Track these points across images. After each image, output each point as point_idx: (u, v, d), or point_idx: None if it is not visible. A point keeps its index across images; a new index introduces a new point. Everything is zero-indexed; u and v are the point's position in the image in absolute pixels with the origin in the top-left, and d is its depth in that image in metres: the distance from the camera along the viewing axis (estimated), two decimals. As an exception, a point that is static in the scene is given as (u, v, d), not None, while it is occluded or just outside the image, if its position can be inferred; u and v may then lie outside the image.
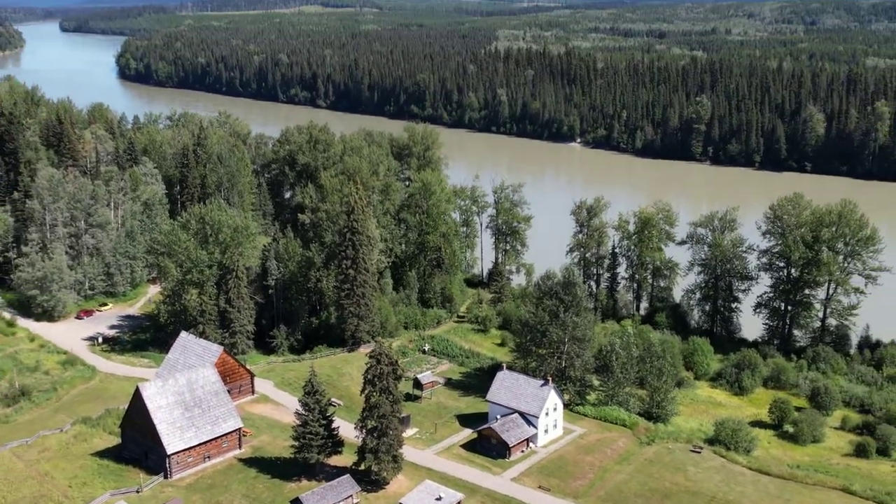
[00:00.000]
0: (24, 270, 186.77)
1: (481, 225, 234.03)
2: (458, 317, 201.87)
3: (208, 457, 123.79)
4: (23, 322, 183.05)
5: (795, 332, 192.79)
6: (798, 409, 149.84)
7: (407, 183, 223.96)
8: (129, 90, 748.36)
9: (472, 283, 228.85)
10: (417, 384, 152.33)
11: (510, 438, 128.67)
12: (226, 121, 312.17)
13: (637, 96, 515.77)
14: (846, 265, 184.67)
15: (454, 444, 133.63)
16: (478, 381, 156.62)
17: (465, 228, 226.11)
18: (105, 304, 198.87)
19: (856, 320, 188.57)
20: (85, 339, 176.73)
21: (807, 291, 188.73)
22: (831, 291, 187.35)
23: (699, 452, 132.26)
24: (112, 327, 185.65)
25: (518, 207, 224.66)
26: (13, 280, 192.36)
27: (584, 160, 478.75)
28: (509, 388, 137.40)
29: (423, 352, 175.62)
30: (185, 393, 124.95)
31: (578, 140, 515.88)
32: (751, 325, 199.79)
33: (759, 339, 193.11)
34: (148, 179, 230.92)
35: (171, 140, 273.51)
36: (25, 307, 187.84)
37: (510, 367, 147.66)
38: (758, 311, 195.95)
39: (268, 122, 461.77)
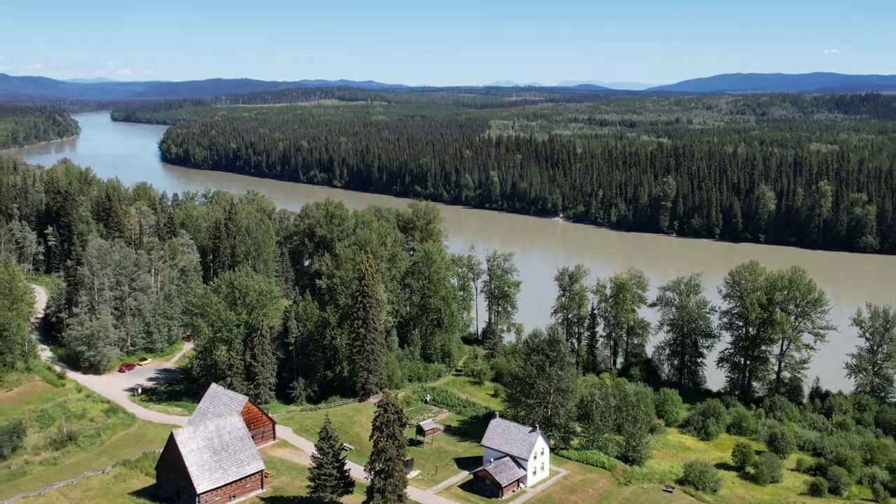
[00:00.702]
0: (74, 329, 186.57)
1: (476, 289, 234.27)
2: (456, 370, 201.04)
3: (233, 496, 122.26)
4: (72, 374, 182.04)
5: (754, 383, 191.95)
6: (758, 452, 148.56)
7: (411, 252, 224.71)
8: (170, 172, 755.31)
9: (469, 340, 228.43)
10: (420, 431, 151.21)
11: (502, 479, 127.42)
12: (253, 198, 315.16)
13: (611, 177, 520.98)
14: (797, 324, 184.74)
15: (453, 484, 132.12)
16: (473, 428, 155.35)
17: (462, 292, 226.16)
18: (145, 359, 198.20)
19: (807, 373, 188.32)
20: (126, 390, 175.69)
21: (763, 348, 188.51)
22: (785, 347, 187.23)
23: (671, 492, 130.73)
24: (150, 379, 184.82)
25: (508, 274, 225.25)
26: (64, 337, 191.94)
27: (565, 233, 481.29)
28: (501, 434, 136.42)
29: (425, 402, 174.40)
30: (214, 438, 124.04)
31: (561, 215, 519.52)
32: (714, 377, 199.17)
33: (722, 390, 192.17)
34: (184, 249, 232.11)
35: (205, 215, 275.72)
36: (74, 361, 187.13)
37: (502, 416, 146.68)
38: (720, 364, 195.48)
39: (290, 199, 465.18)
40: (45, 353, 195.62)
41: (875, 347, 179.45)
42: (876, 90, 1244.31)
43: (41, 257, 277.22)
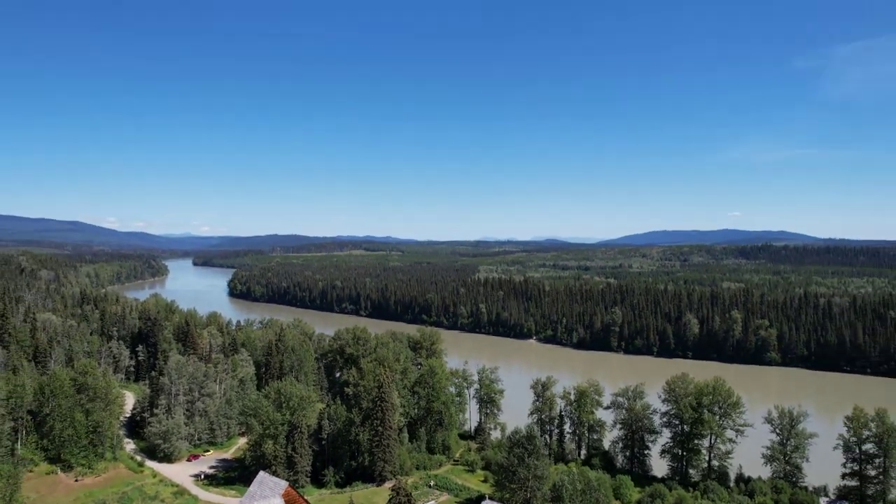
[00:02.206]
0: (154, 426, 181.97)
1: (469, 395, 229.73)
2: (454, 461, 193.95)
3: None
4: (149, 463, 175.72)
5: (690, 470, 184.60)
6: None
7: (419, 366, 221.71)
8: (235, 304, 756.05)
9: (464, 436, 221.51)
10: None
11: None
12: (298, 324, 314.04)
13: (572, 308, 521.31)
14: (721, 423, 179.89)
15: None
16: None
17: (458, 398, 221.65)
18: (208, 451, 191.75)
19: (732, 461, 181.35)
20: (192, 476, 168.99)
21: (696, 441, 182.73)
22: (713, 441, 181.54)
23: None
24: (211, 467, 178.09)
25: (494, 383, 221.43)
26: (146, 432, 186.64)
27: (538, 351, 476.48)
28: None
29: (429, 486, 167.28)
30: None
31: (534, 338, 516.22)
32: (659, 465, 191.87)
33: (665, 476, 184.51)
34: (243, 363, 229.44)
35: (260, 337, 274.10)
36: (152, 452, 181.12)
37: (491, 497, 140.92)
38: (663, 455, 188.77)
39: (326, 325, 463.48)
40: (129, 445, 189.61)
41: (784, 441, 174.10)
42: (769, 242, 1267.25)
43: (132, 369, 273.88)
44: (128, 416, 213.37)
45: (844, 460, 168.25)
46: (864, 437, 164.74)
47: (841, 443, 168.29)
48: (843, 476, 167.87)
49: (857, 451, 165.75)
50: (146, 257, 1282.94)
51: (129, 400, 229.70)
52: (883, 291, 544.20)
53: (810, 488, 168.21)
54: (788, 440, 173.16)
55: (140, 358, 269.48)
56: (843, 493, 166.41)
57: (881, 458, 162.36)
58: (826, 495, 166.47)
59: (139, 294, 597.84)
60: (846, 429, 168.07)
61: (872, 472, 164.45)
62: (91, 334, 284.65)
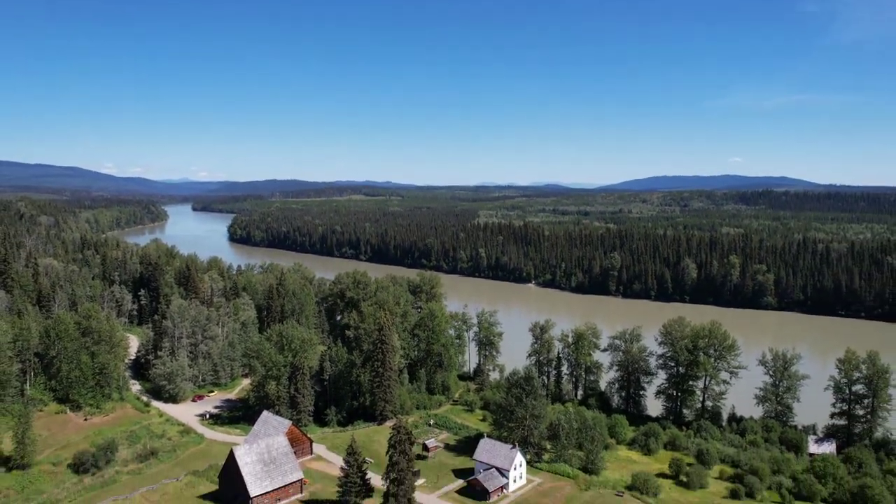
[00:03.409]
0: (158, 368, 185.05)
1: (469, 338, 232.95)
2: (453, 401, 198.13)
3: (279, 499, 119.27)
4: (155, 403, 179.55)
5: (684, 410, 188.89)
6: (689, 464, 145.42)
7: (419, 310, 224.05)
8: (235, 249, 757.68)
9: (463, 377, 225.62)
10: (425, 448, 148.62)
11: (490, 486, 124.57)
12: (298, 269, 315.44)
13: (571, 253, 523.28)
14: (716, 365, 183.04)
15: (451, 490, 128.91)
16: (467, 445, 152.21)
17: (457, 340, 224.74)
18: (212, 391, 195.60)
19: (725, 402, 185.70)
20: (197, 416, 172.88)
21: (690, 383, 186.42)
22: (707, 383, 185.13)
23: (621, 496, 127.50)
24: (216, 407, 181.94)
25: (493, 326, 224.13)
26: (150, 374, 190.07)
27: (537, 296, 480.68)
28: (489, 450, 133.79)
29: (429, 425, 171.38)
30: (265, 453, 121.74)
31: (533, 282, 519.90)
32: (653, 405, 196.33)
33: (660, 416, 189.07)
34: (245, 307, 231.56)
35: (261, 281, 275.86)
36: (157, 393, 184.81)
37: (489, 436, 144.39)
38: (658, 396, 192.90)
39: (326, 270, 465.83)
40: (135, 386, 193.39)
41: (777, 382, 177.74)
42: (769, 188, 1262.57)
43: (135, 313, 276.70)
44: (132, 358, 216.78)
45: (834, 401, 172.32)
46: (854, 378, 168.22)
47: (832, 384, 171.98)
48: (832, 416, 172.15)
49: (847, 391, 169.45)
50: (145, 203, 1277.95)
51: (133, 343, 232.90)
52: (881, 237, 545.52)
53: (800, 427, 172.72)
54: (781, 382, 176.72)
55: (142, 302, 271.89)
56: (830, 431, 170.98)
57: (870, 399, 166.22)
58: (814, 433, 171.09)
59: (139, 239, 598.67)
60: (838, 370, 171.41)
61: (860, 412, 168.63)
62: (93, 279, 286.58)
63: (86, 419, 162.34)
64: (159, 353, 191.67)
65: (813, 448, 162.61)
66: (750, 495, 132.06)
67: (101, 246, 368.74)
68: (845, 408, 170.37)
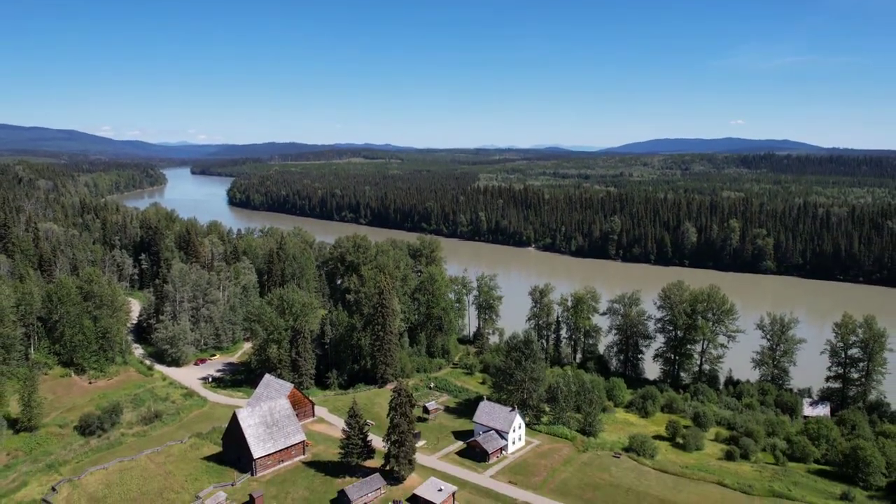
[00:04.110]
0: (160, 332, 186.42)
1: (468, 301, 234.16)
2: (453, 364, 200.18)
3: (282, 461, 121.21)
4: (158, 367, 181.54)
5: (682, 373, 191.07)
6: (685, 427, 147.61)
7: (419, 274, 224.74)
8: (235, 213, 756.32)
9: (463, 340, 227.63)
10: (426, 410, 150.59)
11: (489, 447, 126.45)
12: (298, 233, 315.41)
13: (571, 217, 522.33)
14: (714, 329, 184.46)
15: (451, 451, 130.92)
16: (467, 408, 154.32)
17: (457, 304, 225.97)
18: (214, 355, 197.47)
19: (722, 365, 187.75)
20: (200, 379, 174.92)
21: (688, 346, 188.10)
22: (705, 346, 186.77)
23: (619, 457, 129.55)
24: (218, 370, 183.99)
25: (493, 290, 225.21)
26: (153, 338, 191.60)
27: (537, 259, 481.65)
28: (488, 413, 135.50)
29: (430, 388, 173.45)
30: (267, 416, 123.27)
31: (533, 246, 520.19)
32: (651, 369, 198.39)
33: (657, 379, 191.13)
34: (245, 271, 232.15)
35: (261, 245, 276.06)
36: (160, 357, 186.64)
37: (489, 399, 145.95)
38: (656, 359, 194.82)
39: (326, 233, 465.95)
40: (137, 350, 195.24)
41: (774, 346, 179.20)
42: (771, 151, 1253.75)
43: (136, 277, 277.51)
44: (134, 322, 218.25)
45: (830, 364, 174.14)
46: (850, 342, 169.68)
47: (828, 348, 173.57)
48: (828, 379, 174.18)
49: (843, 355, 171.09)
50: (144, 166, 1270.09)
51: (135, 307, 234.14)
52: (882, 201, 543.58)
53: (795, 390, 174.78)
54: (778, 345, 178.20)
55: (143, 266, 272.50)
56: (825, 394, 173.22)
57: (865, 362, 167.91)
58: (810, 396, 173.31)
59: (139, 203, 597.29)
60: (834, 334, 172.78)
61: (855, 375, 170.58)
62: (93, 243, 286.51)
63: (90, 382, 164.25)
64: (161, 317, 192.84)
65: (808, 411, 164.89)
66: (744, 457, 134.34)
67: (100, 210, 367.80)
68: (840, 371, 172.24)
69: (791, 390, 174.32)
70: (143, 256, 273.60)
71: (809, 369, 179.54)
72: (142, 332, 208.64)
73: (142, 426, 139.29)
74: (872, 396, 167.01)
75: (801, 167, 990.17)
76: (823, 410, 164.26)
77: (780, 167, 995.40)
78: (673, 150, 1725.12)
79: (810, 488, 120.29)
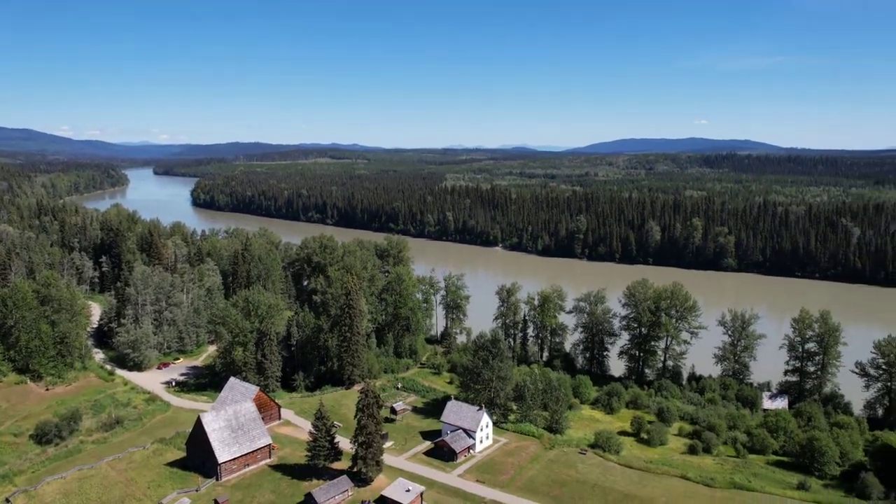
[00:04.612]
0: (122, 336, 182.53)
1: (436, 301, 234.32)
2: (421, 364, 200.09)
3: (247, 465, 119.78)
4: (119, 372, 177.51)
5: (646, 370, 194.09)
6: (650, 422, 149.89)
7: (386, 274, 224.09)
8: (199, 214, 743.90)
9: (430, 340, 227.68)
10: (393, 411, 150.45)
11: (457, 447, 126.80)
12: (264, 233, 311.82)
13: (538, 216, 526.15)
14: (677, 325, 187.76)
15: (419, 451, 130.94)
16: (434, 408, 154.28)
17: (425, 304, 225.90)
18: (178, 359, 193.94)
19: (685, 361, 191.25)
20: (163, 383, 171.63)
21: (652, 343, 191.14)
22: (668, 343, 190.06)
23: (585, 454, 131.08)
24: (182, 374, 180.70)
25: (460, 290, 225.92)
26: (114, 342, 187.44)
27: (504, 259, 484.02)
28: (456, 412, 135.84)
29: (397, 388, 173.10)
30: (232, 420, 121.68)
31: (500, 245, 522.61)
32: (616, 365, 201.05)
33: (622, 375, 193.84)
34: (210, 273, 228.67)
35: (226, 246, 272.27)
36: (122, 361, 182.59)
37: (456, 398, 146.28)
38: (621, 356, 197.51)
39: (292, 234, 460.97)
40: (98, 355, 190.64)
41: (735, 342, 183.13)
42: (733, 151, 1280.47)
43: (96, 280, 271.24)
44: (94, 326, 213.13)
45: (788, 358, 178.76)
46: (807, 336, 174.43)
47: (786, 342, 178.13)
48: (786, 373, 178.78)
49: (800, 349, 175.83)
50: (104, 167, 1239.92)
51: (95, 311, 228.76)
52: (837, 200, 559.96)
53: (755, 384, 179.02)
54: (739, 341, 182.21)
55: (104, 269, 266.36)
56: (784, 387, 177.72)
57: (821, 356, 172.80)
58: (769, 390, 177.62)
59: (99, 204, 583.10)
60: (792, 329, 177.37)
61: (812, 369, 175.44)
62: (51, 246, 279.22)
63: (47, 389, 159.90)
64: (122, 320, 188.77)
65: (767, 404, 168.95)
66: (707, 450, 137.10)
67: (58, 212, 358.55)
68: (798, 365, 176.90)
69: (751, 384, 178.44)
70: (103, 259, 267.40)
71: (769, 364, 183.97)
72: (102, 337, 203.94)
73: (102, 433, 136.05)
74: (827, 389, 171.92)
75: (762, 167, 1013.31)
76: (782, 403, 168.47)
77: (742, 167, 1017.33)
78: (638, 149, 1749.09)
79: (769, 479, 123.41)
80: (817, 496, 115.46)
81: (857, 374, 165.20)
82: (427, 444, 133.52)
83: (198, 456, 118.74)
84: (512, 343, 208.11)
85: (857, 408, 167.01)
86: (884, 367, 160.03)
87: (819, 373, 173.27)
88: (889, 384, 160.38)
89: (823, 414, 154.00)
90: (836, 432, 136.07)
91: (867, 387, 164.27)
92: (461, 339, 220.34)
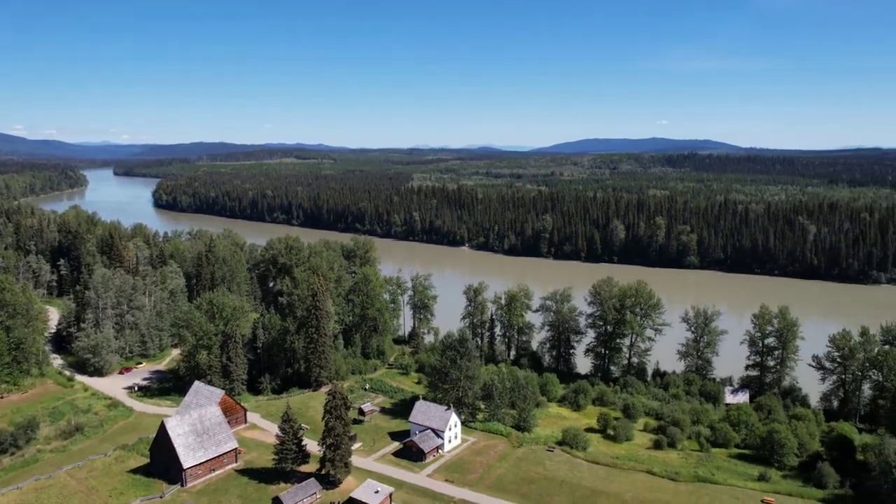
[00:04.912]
0: (82, 340, 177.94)
1: (403, 302, 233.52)
2: (389, 365, 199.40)
3: (213, 469, 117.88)
4: (79, 377, 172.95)
5: (612, 367, 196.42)
6: (615, 418, 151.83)
7: (353, 275, 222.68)
8: (161, 215, 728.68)
9: (398, 341, 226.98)
10: (361, 412, 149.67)
11: (426, 447, 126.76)
12: (228, 235, 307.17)
13: (504, 216, 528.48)
14: (642, 323, 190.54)
15: (387, 452, 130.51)
16: (403, 408, 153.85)
17: (392, 304, 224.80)
18: (140, 363, 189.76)
19: (650, 358, 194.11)
20: (125, 388, 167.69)
21: (618, 340, 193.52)
22: (633, 340, 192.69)
23: (552, 451, 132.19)
24: (145, 379, 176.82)
25: (428, 290, 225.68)
26: (73, 347, 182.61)
27: (471, 258, 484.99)
28: (424, 412, 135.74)
29: (365, 389, 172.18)
30: (197, 424, 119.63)
31: (467, 245, 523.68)
32: (583, 363, 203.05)
33: (589, 373, 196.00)
34: (173, 275, 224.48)
35: (189, 248, 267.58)
36: (82, 366, 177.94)
37: (424, 398, 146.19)
38: (587, 354, 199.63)
39: (257, 235, 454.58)
40: (56, 361, 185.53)
41: (698, 338, 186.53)
42: (694, 151, 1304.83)
43: (54, 284, 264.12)
44: (53, 331, 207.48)
45: (749, 353, 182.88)
46: (767, 332, 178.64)
47: (747, 338, 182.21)
48: (747, 367, 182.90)
49: (761, 344, 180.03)
50: (62, 167, 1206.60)
51: (53, 315, 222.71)
52: (794, 198, 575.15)
53: (718, 379, 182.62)
54: (702, 337, 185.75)
55: (62, 272, 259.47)
56: (745, 382, 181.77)
57: (780, 350, 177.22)
58: (731, 385, 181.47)
59: (57, 206, 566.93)
60: (752, 325, 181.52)
61: (771, 363, 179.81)
62: (5, 249, 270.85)
63: (2, 397, 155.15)
64: (82, 325, 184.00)
65: (729, 398, 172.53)
66: (671, 445, 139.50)
67: (13, 214, 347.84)
68: (758, 359, 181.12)
69: (714, 379, 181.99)
70: (61, 262, 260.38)
71: (730, 359, 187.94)
72: (61, 342, 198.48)
73: (61, 441, 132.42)
74: (786, 382, 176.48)
75: (722, 166, 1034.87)
76: (743, 397, 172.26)
77: (703, 166, 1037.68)
78: (602, 149, 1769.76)
79: (731, 472, 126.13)
80: (777, 486, 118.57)
81: (813, 367, 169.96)
82: (396, 445, 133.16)
83: (162, 462, 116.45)
84: (479, 342, 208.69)
85: (814, 400, 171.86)
86: (838, 360, 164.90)
87: (778, 367, 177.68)
88: (843, 377, 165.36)
89: (783, 407, 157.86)
90: (794, 424, 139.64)
91: (823, 379, 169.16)
92: (429, 339, 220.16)
